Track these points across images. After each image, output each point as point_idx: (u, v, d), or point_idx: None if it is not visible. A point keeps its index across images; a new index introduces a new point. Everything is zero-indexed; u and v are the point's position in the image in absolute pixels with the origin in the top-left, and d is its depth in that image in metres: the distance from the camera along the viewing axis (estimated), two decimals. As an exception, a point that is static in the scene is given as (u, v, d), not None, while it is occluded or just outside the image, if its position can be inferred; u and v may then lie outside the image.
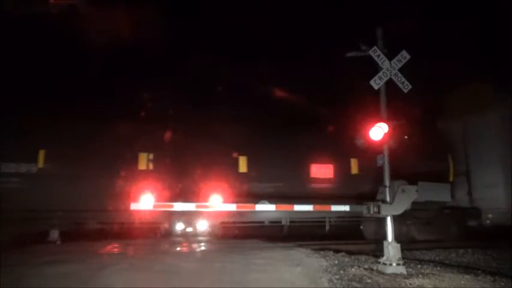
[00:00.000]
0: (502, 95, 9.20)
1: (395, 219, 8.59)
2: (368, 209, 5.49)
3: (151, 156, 8.16)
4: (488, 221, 9.13)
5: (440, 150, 9.71)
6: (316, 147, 9.07)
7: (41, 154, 7.61)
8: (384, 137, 5.30)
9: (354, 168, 9.21)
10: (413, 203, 5.61)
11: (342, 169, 9.11)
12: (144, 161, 8.11)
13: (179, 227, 8.69)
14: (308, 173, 8.87)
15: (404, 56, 5.50)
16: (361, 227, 9.51)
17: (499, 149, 9.22)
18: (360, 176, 9.08)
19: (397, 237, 8.51)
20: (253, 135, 8.85)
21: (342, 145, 8.92)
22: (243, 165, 8.61)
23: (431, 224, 9.02)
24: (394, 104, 5.58)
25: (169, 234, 8.44)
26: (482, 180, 9.52)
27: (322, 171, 8.99)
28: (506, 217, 8.84)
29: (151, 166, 8.12)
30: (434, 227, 9.06)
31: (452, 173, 9.57)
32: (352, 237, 8.87)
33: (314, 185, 8.81)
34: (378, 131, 5.28)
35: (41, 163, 7.58)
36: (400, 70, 5.48)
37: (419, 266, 5.27)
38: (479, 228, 9.22)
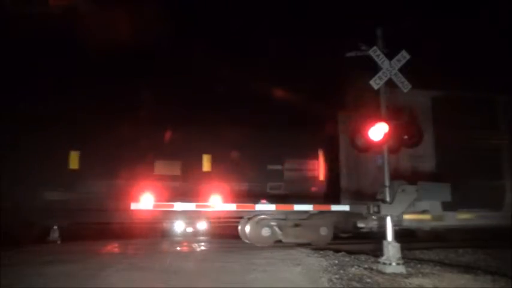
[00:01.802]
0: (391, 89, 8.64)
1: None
2: (368, 209, 5.48)
3: None
4: (375, 223, 8.16)
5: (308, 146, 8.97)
6: (161, 141, 8.27)
7: None
8: (384, 137, 5.30)
9: (206, 165, 8.57)
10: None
11: (192, 166, 8.44)
12: None
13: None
14: (151, 170, 8.24)
15: (404, 56, 5.51)
16: (239, 228, 8.68)
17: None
18: (213, 173, 8.43)
19: (260, 240, 7.94)
20: (87, 129, 8.02)
21: (193, 140, 8.36)
22: (74, 162, 7.97)
23: (300, 226, 8.05)
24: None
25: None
26: (351, 179, 8.65)
27: (167, 167, 8.37)
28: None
29: None
30: (303, 229, 8.05)
31: (323, 172, 8.81)
32: (230, 238, 8.51)
33: (158, 183, 7.94)
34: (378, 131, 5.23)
35: None
36: (400, 70, 5.49)
37: (418, 265, 5.27)
38: (368, 230, 8.38)
